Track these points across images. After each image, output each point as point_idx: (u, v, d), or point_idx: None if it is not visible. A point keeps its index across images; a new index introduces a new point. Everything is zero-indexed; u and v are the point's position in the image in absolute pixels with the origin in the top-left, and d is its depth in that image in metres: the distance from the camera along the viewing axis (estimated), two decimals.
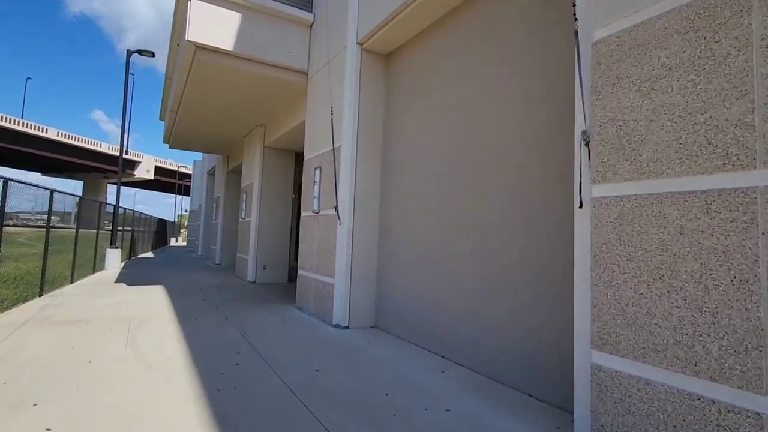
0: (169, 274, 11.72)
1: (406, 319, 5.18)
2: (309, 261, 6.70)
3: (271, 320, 6.12)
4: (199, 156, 22.99)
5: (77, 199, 10.43)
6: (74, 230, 11.29)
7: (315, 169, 6.58)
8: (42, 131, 38.95)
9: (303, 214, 7.07)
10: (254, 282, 10.29)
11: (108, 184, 54.12)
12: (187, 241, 29.10)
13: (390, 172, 5.86)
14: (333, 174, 5.98)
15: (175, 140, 12.90)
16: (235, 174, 15.31)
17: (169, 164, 54.00)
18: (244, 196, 11.22)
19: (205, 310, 6.71)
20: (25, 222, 9.37)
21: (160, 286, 9.20)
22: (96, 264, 11.32)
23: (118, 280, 9.96)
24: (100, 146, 43.72)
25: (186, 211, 54.55)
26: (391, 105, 6.00)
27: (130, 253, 16.63)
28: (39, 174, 52.31)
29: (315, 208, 6.47)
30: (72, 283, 9.23)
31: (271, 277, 10.51)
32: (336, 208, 5.80)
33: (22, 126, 37.40)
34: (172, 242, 39.27)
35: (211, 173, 19.21)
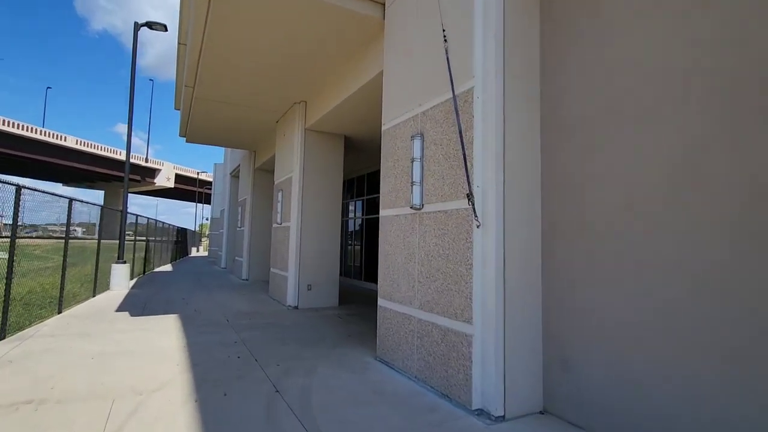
0: (187, 295, 9.34)
1: (636, 410, 2.56)
2: (401, 287, 4.16)
3: (351, 391, 3.57)
4: (220, 158, 20.89)
5: (73, 204, 8.16)
6: (79, 240, 9.13)
7: (413, 137, 4.03)
8: (61, 139, 37.84)
9: (387, 212, 4.53)
10: (296, 307, 7.80)
11: (129, 193, 53.14)
12: (209, 251, 27.06)
13: (565, 131, 3.27)
14: (457, 139, 3.43)
15: (193, 131, 10.61)
16: (264, 172, 12.96)
17: (190, 171, 52.68)
18: (280, 194, 8.79)
19: (239, 365, 4.22)
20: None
21: (173, 316, 6.79)
22: (98, 284, 9.04)
23: (122, 308, 7.60)
24: (120, 154, 42.46)
25: (207, 219, 53.14)
26: (555, 13, 3.42)
27: (145, 266, 14.45)
28: (61, 185, 51.68)
29: (416, 201, 3.91)
30: (60, 313, 6.90)
31: (317, 299, 8.00)
32: (470, 197, 3.24)
33: (41, 134, 36.31)
34: (193, 252, 37.50)
35: (235, 174, 16.98)
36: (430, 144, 3.87)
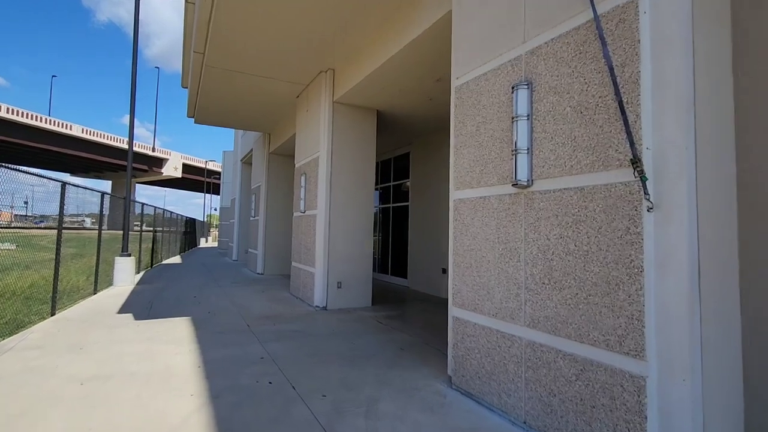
0: (199, 292, 8.33)
1: None
2: (494, 295, 3.05)
3: None
4: (229, 146, 19.82)
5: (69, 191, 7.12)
6: (89, 231, 8.15)
7: (516, 88, 2.88)
8: (66, 128, 37.03)
9: (466, 194, 3.39)
10: (325, 308, 6.74)
11: (137, 184, 52.42)
12: (219, 242, 26.18)
13: None
14: (598, 82, 2.29)
15: (202, 109, 9.51)
16: (280, 157, 11.87)
17: (198, 161, 51.85)
18: (303, 178, 7.69)
19: (273, 396, 3.15)
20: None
21: (184, 320, 5.76)
22: (99, 279, 8.05)
23: (125, 308, 6.60)
24: (126, 143, 41.60)
25: (215, 209, 52.40)
26: None
27: (152, 258, 13.50)
28: (68, 175, 51.05)
29: (522, 176, 2.78)
30: (53, 315, 5.91)
31: (348, 299, 6.94)
32: (636, 165, 2.11)
33: (46, 123, 35.50)
34: (202, 243, 36.75)
35: (247, 161, 15.93)
36: (546, 94, 2.72)
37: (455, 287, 3.47)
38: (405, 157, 10.02)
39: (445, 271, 8.17)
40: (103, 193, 8.31)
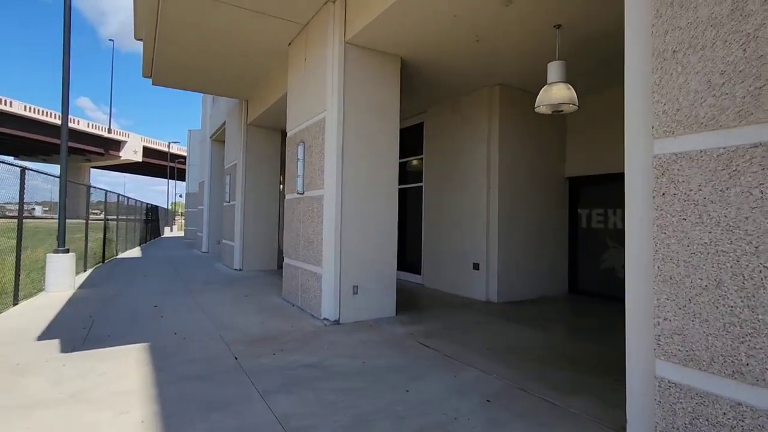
0: (161, 299, 6.37)
1: None
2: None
3: None
4: (196, 124, 17.42)
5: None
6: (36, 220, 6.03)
7: None
8: (6, 104, 32.87)
9: (732, 137, 1.73)
10: (338, 321, 5.00)
11: (91, 168, 48.15)
12: (186, 231, 23.68)
13: None
14: None
15: (162, 63, 7.39)
16: (261, 129, 9.86)
17: (160, 144, 48.09)
18: (300, 149, 5.82)
19: None
20: None
21: (138, 348, 3.88)
22: (20, 285, 5.96)
23: (50, 331, 4.61)
24: (77, 123, 37.67)
25: (181, 196, 49.03)
26: None
27: (105, 252, 11.26)
28: (12, 158, 46.04)
29: None
30: None
31: (367, 308, 5.22)
32: None
33: None
34: (167, 232, 33.86)
35: (218, 138, 13.73)
36: None
37: (665, 323, 1.81)
38: (416, 129, 8.27)
39: (477, 266, 6.56)
40: (24, 170, 6.13)
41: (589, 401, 2.93)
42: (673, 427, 1.77)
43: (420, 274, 7.98)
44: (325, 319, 5.04)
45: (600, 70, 5.75)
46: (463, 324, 5.10)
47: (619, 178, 6.48)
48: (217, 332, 4.57)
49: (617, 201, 6.55)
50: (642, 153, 1.95)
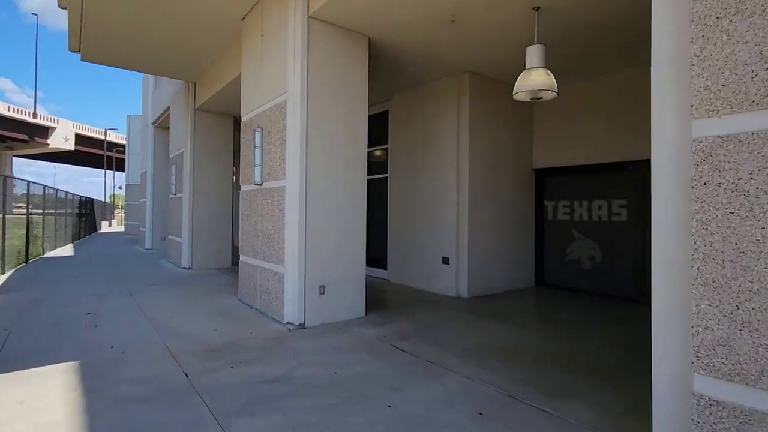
0: (96, 305, 5.61)
1: None
2: None
3: None
4: (136, 110, 15.98)
5: None
6: None
7: None
8: None
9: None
10: (303, 325, 4.56)
11: (13, 157, 43.50)
12: (126, 226, 21.90)
13: None
14: None
15: (91, 38, 6.47)
16: (211, 114, 9.05)
17: (95, 131, 44.30)
18: (257, 135, 5.26)
19: None
20: None
21: (66, 368, 3.26)
22: None
23: None
24: None
25: (120, 188, 45.59)
26: None
27: (29, 251, 9.99)
28: None
29: None
30: None
31: (335, 308, 4.81)
32: None
33: None
34: (104, 227, 31.32)
35: (161, 125, 12.62)
36: None
37: (706, 332, 1.57)
38: (381, 117, 7.89)
39: (446, 261, 6.34)
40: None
41: (582, 407, 2.73)
42: None
43: (385, 269, 7.66)
44: (288, 323, 4.58)
45: (570, 62, 5.64)
46: (437, 323, 4.84)
47: (586, 169, 6.50)
48: (163, 342, 3.99)
49: (584, 192, 6.55)
50: (674, 136, 1.71)
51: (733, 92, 1.52)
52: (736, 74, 1.51)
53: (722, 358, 1.53)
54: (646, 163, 5.80)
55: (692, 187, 1.61)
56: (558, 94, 4.20)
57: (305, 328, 4.53)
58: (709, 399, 1.56)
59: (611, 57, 5.57)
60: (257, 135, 5.25)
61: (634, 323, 4.89)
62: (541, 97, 4.30)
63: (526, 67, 4.25)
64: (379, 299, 5.97)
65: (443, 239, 6.41)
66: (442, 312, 5.35)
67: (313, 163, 4.62)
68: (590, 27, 4.68)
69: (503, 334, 4.41)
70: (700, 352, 1.58)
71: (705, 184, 1.57)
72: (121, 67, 8.09)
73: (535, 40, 4.34)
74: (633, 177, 5.95)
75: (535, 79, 4.13)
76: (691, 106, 1.61)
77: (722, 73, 1.55)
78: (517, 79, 4.29)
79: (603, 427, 2.47)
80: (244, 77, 5.86)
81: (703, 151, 1.58)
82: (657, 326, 1.76)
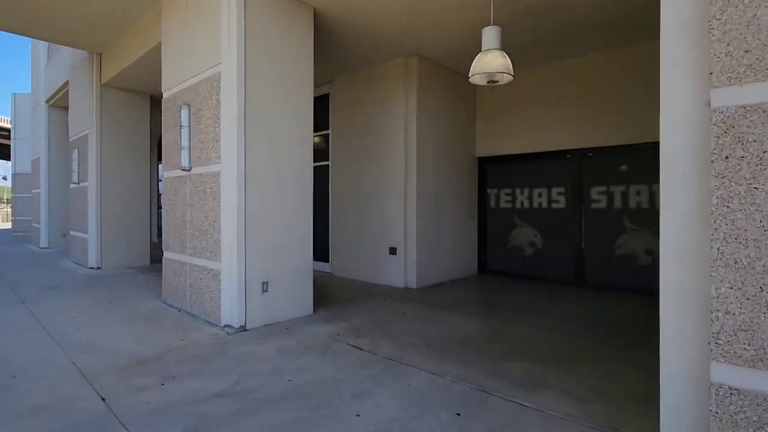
0: None
1: None
2: None
3: None
4: (24, 87, 13.62)
5: None
6: None
7: None
8: None
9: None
10: (244, 327, 4.06)
11: None
12: (13, 222, 18.85)
13: None
14: None
15: None
16: (121, 92, 7.89)
17: None
18: (184, 113, 4.56)
19: None
20: None
21: None
22: None
23: None
24: None
25: (5, 178, 39.44)
26: None
27: None
28: None
29: None
30: None
31: (280, 308, 4.36)
32: None
33: None
34: None
35: (58, 104, 10.86)
36: None
37: (726, 317, 1.47)
38: (321, 100, 7.41)
39: (394, 251, 6.13)
40: None
41: (557, 398, 2.64)
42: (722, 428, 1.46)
43: (328, 261, 7.27)
44: (227, 325, 4.05)
45: (513, 50, 5.65)
46: (390, 316, 4.60)
47: (527, 158, 6.64)
48: (69, 359, 3.28)
49: (525, 181, 6.69)
50: (689, 106, 1.58)
51: (757, 59, 1.41)
52: (760, 39, 1.40)
53: (744, 343, 1.43)
54: (584, 152, 6.06)
55: (712, 162, 1.48)
56: (513, 77, 4.11)
57: (246, 330, 4.03)
58: (729, 388, 1.46)
59: (552, 48, 5.68)
60: (184, 113, 4.56)
61: (580, 305, 5.05)
62: (497, 81, 4.18)
63: (482, 48, 4.11)
64: (325, 294, 5.59)
65: (391, 229, 6.18)
66: (394, 304, 5.13)
67: (252, 145, 4.10)
68: (536, 13, 4.68)
69: (460, 325, 4.29)
70: (720, 338, 1.48)
71: (726, 158, 1.46)
72: (5, 29, 6.68)
73: (491, 22, 4.21)
74: (571, 165, 6.17)
75: (492, 61, 4.00)
76: (711, 73, 1.49)
77: (744, 38, 1.43)
78: (474, 61, 4.13)
79: (582, 417, 2.39)
80: (165, 46, 5.08)
81: (725, 123, 1.46)
82: (666, 316, 1.65)
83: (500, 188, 7.01)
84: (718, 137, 1.48)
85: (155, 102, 7.89)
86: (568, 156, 6.17)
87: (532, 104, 6.45)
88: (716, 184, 1.48)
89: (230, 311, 4.03)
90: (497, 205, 7.05)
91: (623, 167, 5.72)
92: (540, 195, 6.52)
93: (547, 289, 5.98)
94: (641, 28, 5.01)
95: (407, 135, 6.04)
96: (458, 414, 2.45)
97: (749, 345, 1.43)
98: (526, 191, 6.68)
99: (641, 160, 5.55)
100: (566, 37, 5.32)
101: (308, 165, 4.64)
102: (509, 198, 6.89)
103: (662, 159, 1.66)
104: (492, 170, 7.10)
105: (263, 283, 4.20)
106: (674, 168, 1.62)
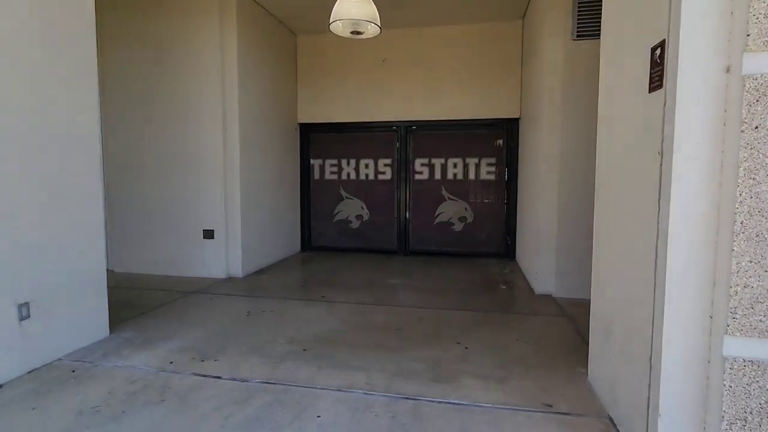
0: None
1: None
2: None
3: None
4: None
5: None
6: None
7: None
8: None
9: None
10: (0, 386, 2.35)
11: None
12: None
13: None
14: None
15: None
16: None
17: None
18: None
19: None
20: None
21: None
22: None
23: None
24: None
25: None
26: None
27: None
28: None
29: None
30: None
31: (53, 340, 2.74)
32: None
33: None
34: None
35: None
36: None
37: (744, 291, 1.45)
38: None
39: (210, 234, 4.90)
40: None
41: (477, 385, 2.47)
42: (745, 411, 1.49)
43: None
44: None
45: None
46: (230, 319, 3.58)
47: (354, 127, 6.28)
48: None
49: (352, 151, 6.40)
50: (711, 72, 1.46)
51: None
52: None
53: (760, 315, 1.45)
54: (409, 124, 6.15)
55: (742, 132, 1.40)
56: (381, 30, 3.61)
57: (1, 388, 2.35)
58: (744, 360, 1.47)
59: (403, 12, 5.42)
60: None
61: (421, 275, 5.15)
62: (362, 32, 3.60)
63: None
64: (118, 302, 3.95)
65: (206, 207, 4.88)
66: (226, 302, 4.05)
67: None
68: None
69: (318, 316, 3.69)
70: (737, 313, 1.46)
71: (756, 128, 1.40)
72: None
73: None
74: (398, 136, 6.20)
75: (358, 9, 3.39)
76: (748, 35, 1.38)
77: None
78: (335, 5, 3.41)
79: (513, 402, 2.27)
80: None
81: (758, 90, 1.39)
82: (671, 291, 1.56)
83: (325, 159, 6.51)
84: (750, 105, 1.41)
85: None
86: (394, 128, 6.19)
87: (362, 72, 6.11)
88: (744, 155, 1.42)
89: None
90: (322, 176, 6.55)
91: (445, 141, 6.11)
92: (367, 166, 6.36)
93: (376, 260, 5.94)
94: (493, 8, 5.21)
95: (225, 94, 4.78)
96: None
97: (765, 316, 1.45)
98: (352, 162, 6.41)
99: (459, 136, 6.03)
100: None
101: (92, 122, 3.00)
102: (335, 170, 6.48)
103: (675, 127, 1.53)
104: (316, 139, 6.51)
105: (19, 306, 2.52)
106: (688, 138, 1.51)
